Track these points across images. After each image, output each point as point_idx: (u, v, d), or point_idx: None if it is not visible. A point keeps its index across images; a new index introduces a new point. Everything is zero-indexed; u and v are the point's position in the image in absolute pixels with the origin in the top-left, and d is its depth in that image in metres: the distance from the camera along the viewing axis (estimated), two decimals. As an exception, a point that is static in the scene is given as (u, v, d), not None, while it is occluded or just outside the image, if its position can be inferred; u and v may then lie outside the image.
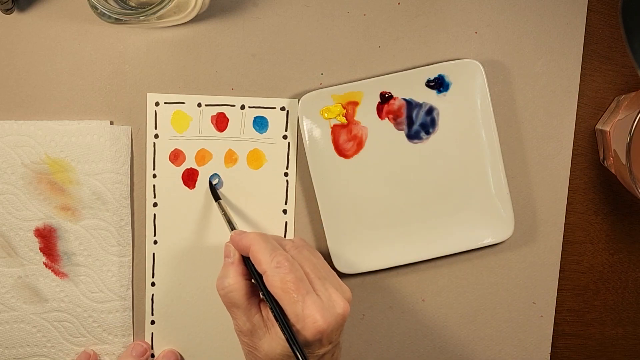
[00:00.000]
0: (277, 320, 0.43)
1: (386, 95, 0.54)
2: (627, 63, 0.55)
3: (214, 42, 0.54)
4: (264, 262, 0.43)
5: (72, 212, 0.55)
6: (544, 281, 0.57)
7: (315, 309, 0.42)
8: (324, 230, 0.54)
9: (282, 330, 0.42)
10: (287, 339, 0.42)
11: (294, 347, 0.41)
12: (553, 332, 0.58)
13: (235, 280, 0.45)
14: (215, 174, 0.55)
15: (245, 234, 0.46)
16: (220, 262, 0.46)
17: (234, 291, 0.45)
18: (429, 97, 0.54)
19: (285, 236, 0.56)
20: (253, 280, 0.46)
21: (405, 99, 0.54)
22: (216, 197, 0.54)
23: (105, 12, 0.46)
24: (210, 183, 0.55)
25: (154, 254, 0.56)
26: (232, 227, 0.50)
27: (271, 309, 0.43)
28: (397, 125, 0.55)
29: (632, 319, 0.58)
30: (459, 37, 0.54)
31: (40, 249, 0.55)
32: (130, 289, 0.56)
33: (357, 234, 0.55)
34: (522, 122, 0.55)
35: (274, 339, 0.43)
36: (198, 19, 0.53)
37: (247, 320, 0.45)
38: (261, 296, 0.45)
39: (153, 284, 0.56)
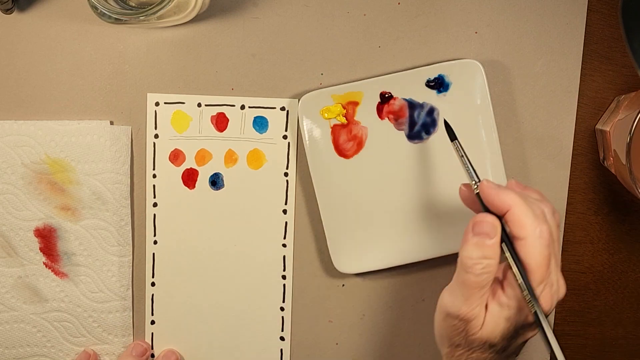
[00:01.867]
0: (522, 291, 0.40)
1: (386, 95, 0.54)
2: (627, 63, 0.55)
3: (214, 42, 0.54)
4: (528, 227, 0.39)
5: (72, 212, 0.55)
6: (544, 281, 0.57)
7: (550, 292, 0.40)
8: (324, 230, 0.54)
9: (530, 304, 0.39)
10: (534, 315, 0.39)
11: (543, 326, 0.39)
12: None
13: (497, 261, 0.40)
14: (218, 173, 0.55)
15: (504, 190, 0.41)
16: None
17: (490, 273, 0.40)
18: (429, 97, 0.54)
19: (285, 236, 0.56)
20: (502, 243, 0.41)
21: (405, 99, 0.54)
22: (452, 137, 0.48)
23: (105, 12, 0.46)
24: (446, 122, 0.50)
25: (154, 254, 0.56)
26: (474, 175, 0.45)
27: (519, 276, 0.40)
28: (398, 125, 0.55)
29: (632, 319, 0.58)
30: (459, 37, 0.54)
31: (40, 249, 0.55)
32: (130, 289, 0.56)
33: (357, 234, 0.55)
34: (522, 122, 0.55)
35: (497, 322, 0.41)
36: (198, 19, 0.53)
37: (480, 303, 0.41)
38: (509, 264, 0.41)
39: (153, 284, 0.56)
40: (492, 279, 0.41)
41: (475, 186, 0.44)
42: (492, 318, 0.41)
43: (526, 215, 0.40)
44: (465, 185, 0.46)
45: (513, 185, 0.45)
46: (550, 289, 0.40)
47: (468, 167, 0.46)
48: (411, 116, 0.54)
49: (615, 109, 0.54)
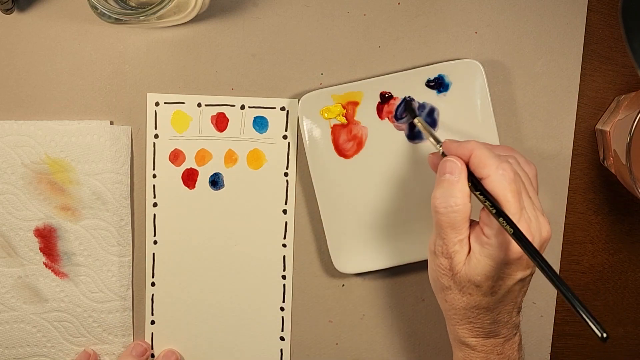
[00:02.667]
0: (497, 219, 0.41)
1: (386, 95, 0.54)
2: (627, 63, 0.55)
3: (214, 42, 0.54)
4: (490, 166, 0.41)
5: (72, 212, 0.55)
6: (544, 281, 0.56)
7: (526, 226, 0.40)
8: (324, 230, 0.54)
9: (506, 223, 0.40)
10: (513, 237, 0.40)
11: (523, 241, 0.39)
12: (553, 332, 0.58)
13: (463, 201, 0.42)
14: (218, 173, 0.55)
15: (464, 142, 0.44)
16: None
17: (458, 212, 0.42)
18: (429, 97, 0.54)
19: (285, 236, 0.56)
20: (469, 185, 0.43)
21: (405, 99, 0.54)
22: (413, 114, 0.53)
23: (105, 12, 0.46)
24: (408, 101, 0.53)
25: (154, 254, 0.56)
26: (437, 141, 0.48)
27: (492, 208, 0.41)
28: (398, 125, 0.55)
29: (632, 319, 0.58)
30: (459, 37, 0.54)
31: (40, 249, 0.55)
32: (130, 289, 0.56)
33: (357, 234, 0.55)
34: (522, 122, 0.55)
35: (479, 260, 0.42)
36: (198, 19, 0.53)
37: (458, 242, 0.43)
38: (481, 200, 0.42)
39: (153, 284, 0.56)
40: (464, 219, 0.42)
41: (440, 148, 0.47)
42: (474, 256, 0.42)
43: (487, 156, 0.42)
44: (432, 154, 0.48)
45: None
46: (528, 224, 0.41)
47: (431, 136, 0.49)
48: (398, 107, 0.54)
49: (615, 109, 0.54)
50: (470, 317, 0.44)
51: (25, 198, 0.54)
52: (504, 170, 0.41)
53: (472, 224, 0.44)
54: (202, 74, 0.54)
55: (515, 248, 0.40)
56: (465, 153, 0.43)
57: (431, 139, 0.49)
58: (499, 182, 0.41)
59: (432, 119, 0.54)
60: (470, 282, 0.43)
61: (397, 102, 0.54)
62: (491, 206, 0.41)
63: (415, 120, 0.52)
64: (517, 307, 0.45)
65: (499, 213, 0.40)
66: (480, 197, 0.42)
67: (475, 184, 0.43)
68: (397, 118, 0.54)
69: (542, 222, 0.42)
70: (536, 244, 0.41)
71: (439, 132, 0.54)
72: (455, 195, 0.42)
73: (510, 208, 0.41)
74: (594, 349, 0.59)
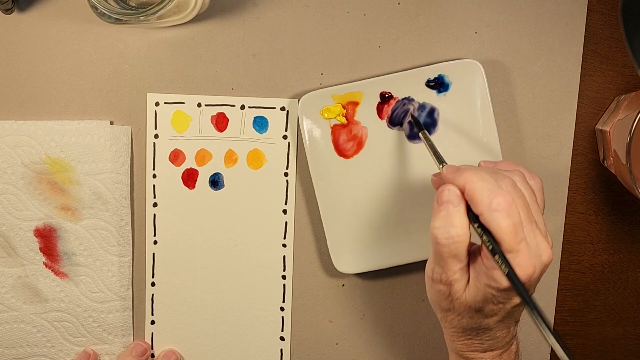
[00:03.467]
0: (493, 256, 0.40)
1: (386, 95, 0.54)
2: (627, 63, 0.55)
3: (214, 42, 0.54)
4: (482, 204, 0.40)
5: (72, 212, 0.55)
6: (544, 281, 0.57)
7: (526, 257, 0.40)
8: (324, 230, 0.54)
9: (503, 265, 0.40)
10: (507, 276, 0.39)
11: (515, 282, 0.39)
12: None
13: (464, 231, 0.41)
14: (218, 173, 0.55)
15: (460, 171, 0.42)
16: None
17: (460, 242, 0.41)
18: (429, 97, 0.54)
19: (285, 236, 0.56)
20: (469, 215, 0.42)
21: (405, 99, 0.54)
22: (420, 127, 0.51)
23: (105, 12, 0.46)
24: (413, 116, 0.53)
25: (154, 254, 0.56)
26: (440, 161, 0.46)
27: (490, 245, 0.40)
28: (389, 123, 0.55)
29: (632, 319, 0.58)
30: (459, 37, 0.54)
31: (40, 249, 0.55)
32: (130, 289, 0.56)
33: (357, 234, 0.55)
34: (522, 122, 0.55)
35: (479, 287, 0.41)
36: (198, 19, 0.53)
37: (458, 270, 0.42)
38: (478, 234, 0.42)
39: (153, 284, 0.56)
40: (464, 248, 0.41)
41: (442, 169, 0.45)
42: (474, 283, 0.42)
43: (477, 192, 0.40)
44: (435, 175, 0.46)
45: (480, 164, 0.46)
46: (527, 253, 0.40)
47: (434, 154, 0.47)
48: (394, 111, 0.54)
49: (615, 109, 0.54)
50: (470, 336, 0.44)
51: (25, 198, 0.54)
52: (498, 205, 0.40)
53: (472, 249, 0.43)
54: (202, 74, 0.54)
55: (522, 279, 0.40)
56: (460, 184, 0.42)
57: (434, 158, 0.47)
58: (492, 221, 0.40)
59: (432, 119, 0.54)
60: (471, 308, 0.42)
61: (397, 103, 0.54)
62: (488, 241, 0.40)
63: (421, 135, 0.51)
64: (516, 321, 0.45)
65: (494, 251, 0.40)
66: (478, 229, 0.41)
67: (471, 216, 0.42)
68: (393, 123, 0.54)
69: (543, 248, 0.41)
70: (537, 272, 0.40)
71: (439, 133, 0.54)
72: (455, 226, 0.41)
73: (507, 245, 0.40)
74: (594, 349, 0.59)
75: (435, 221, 0.42)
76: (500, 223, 0.39)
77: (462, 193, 0.41)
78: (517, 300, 0.42)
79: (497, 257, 0.40)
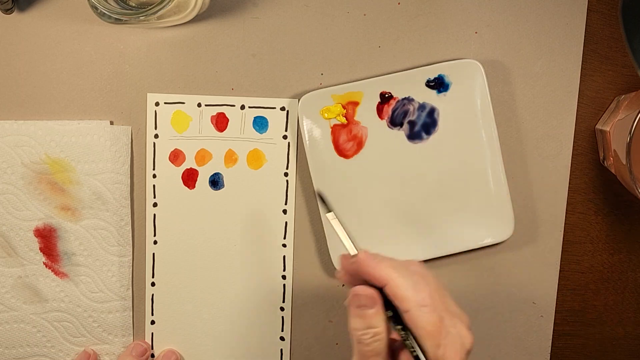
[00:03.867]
0: (417, 354, 0.40)
1: (386, 95, 0.54)
2: (627, 63, 0.55)
3: (214, 42, 0.54)
4: (410, 301, 0.40)
5: (72, 212, 0.55)
6: (544, 281, 0.57)
7: (453, 350, 0.39)
8: (324, 230, 0.54)
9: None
10: None
11: None
12: (553, 332, 0.58)
13: (384, 328, 0.41)
14: (218, 173, 0.55)
15: (380, 265, 0.41)
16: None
17: (380, 340, 0.41)
18: (429, 97, 0.54)
19: (285, 236, 0.56)
20: (389, 316, 0.42)
21: (405, 99, 0.54)
22: (328, 208, 0.47)
23: (105, 12, 0.46)
24: (320, 195, 0.48)
25: (154, 254, 0.56)
26: (353, 247, 0.44)
27: (413, 348, 0.40)
28: (389, 123, 0.55)
29: (632, 319, 0.58)
30: (459, 37, 0.54)
31: (40, 249, 0.55)
32: (130, 289, 0.56)
33: (357, 234, 0.55)
34: (522, 122, 0.55)
35: None
36: (198, 19, 0.53)
37: None
38: (401, 338, 0.41)
39: (153, 284, 0.56)
40: (387, 343, 0.41)
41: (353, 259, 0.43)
42: None
43: (404, 289, 0.40)
44: (344, 256, 0.44)
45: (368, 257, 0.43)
46: (453, 346, 0.40)
47: (346, 239, 0.45)
48: (395, 110, 0.54)
49: (615, 109, 0.54)
50: None
51: (25, 198, 0.54)
52: (424, 301, 0.39)
53: (395, 346, 0.42)
54: (202, 74, 0.54)
55: None
56: (380, 282, 0.41)
57: (345, 243, 0.44)
58: (420, 317, 0.39)
59: (432, 119, 0.54)
60: None
61: (397, 103, 0.54)
62: (411, 347, 0.40)
63: (329, 216, 0.46)
64: None
65: (418, 357, 0.40)
66: (402, 333, 0.41)
67: (393, 315, 0.41)
68: (394, 124, 0.54)
69: (464, 335, 0.41)
70: (463, 357, 0.40)
71: (439, 133, 0.54)
72: (376, 325, 0.40)
73: (433, 342, 0.39)
74: (594, 349, 0.59)
75: (353, 323, 0.41)
76: (429, 319, 0.39)
77: (382, 287, 0.41)
78: None
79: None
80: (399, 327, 0.41)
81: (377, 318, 0.41)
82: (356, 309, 0.41)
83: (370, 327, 0.41)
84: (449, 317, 0.41)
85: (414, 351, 0.40)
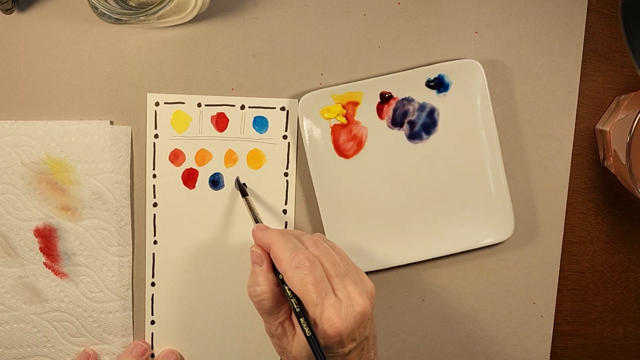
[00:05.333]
0: (297, 319, 0.43)
1: (386, 95, 0.54)
2: (627, 63, 0.55)
3: (214, 42, 0.54)
4: (284, 262, 0.43)
5: (72, 212, 0.55)
6: (544, 281, 0.57)
7: (332, 311, 0.41)
8: (324, 230, 0.54)
9: (302, 330, 0.42)
10: (307, 340, 0.42)
11: (314, 347, 0.41)
12: (553, 332, 0.58)
13: (267, 289, 0.44)
14: (218, 173, 0.55)
15: (267, 230, 0.46)
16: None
17: (266, 299, 0.44)
18: (429, 97, 0.54)
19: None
20: (279, 277, 0.45)
21: (405, 99, 0.54)
22: (244, 193, 0.53)
23: (105, 12, 0.46)
24: (238, 180, 0.55)
25: (154, 254, 0.56)
26: (255, 221, 0.49)
27: (292, 309, 0.43)
28: (389, 123, 0.55)
29: (632, 319, 0.58)
30: (459, 37, 0.54)
31: (40, 249, 0.55)
32: (130, 289, 0.56)
33: (357, 234, 0.55)
34: (522, 122, 0.55)
35: (301, 341, 0.43)
36: (198, 19, 0.53)
37: (279, 324, 0.45)
38: (287, 296, 0.44)
39: (153, 284, 0.56)
40: (273, 305, 0.44)
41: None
42: (296, 338, 0.44)
43: (281, 251, 0.43)
44: (253, 230, 0.48)
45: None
46: (334, 306, 0.42)
47: (253, 216, 0.50)
48: (395, 110, 0.54)
49: (615, 109, 0.54)
50: None
51: (25, 198, 0.54)
52: (299, 263, 0.42)
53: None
54: (202, 74, 0.54)
55: (327, 334, 0.41)
56: (266, 243, 0.45)
57: (252, 218, 0.50)
58: (293, 278, 0.42)
59: (432, 119, 0.54)
60: (304, 358, 0.44)
61: (397, 103, 0.54)
62: (295, 305, 0.43)
63: (243, 200, 0.53)
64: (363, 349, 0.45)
65: (298, 314, 0.42)
66: (288, 291, 0.43)
67: (278, 278, 0.44)
68: (394, 124, 0.54)
69: (353, 296, 0.43)
70: (350, 320, 0.42)
71: (439, 133, 0.54)
72: (260, 284, 0.44)
73: (310, 300, 0.41)
74: (594, 349, 0.59)
75: (249, 279, 0.46)
76: (303, 279, 0.42)
77: (266, 250, 0.45)
78: (346, 348, 0.43)
79: (302, 320, 0.42)
80: (287, 287, 0.43)
81: (262, 276, 0.45)
82: (252, 266, 0.46)
83: (257, 284, 0.45)
84: (338, 281, 0.43)
85: (296, 309, 0.43)
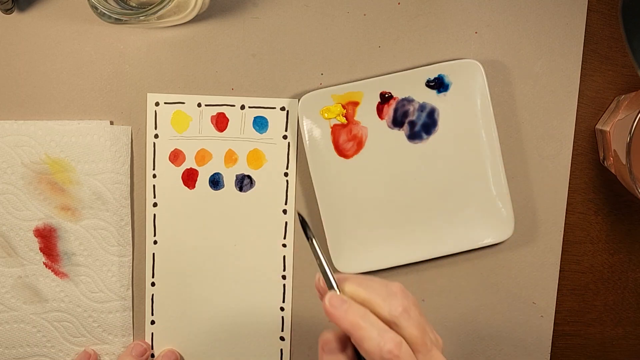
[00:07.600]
0: None
1: (386, 95, 0.54)
2: (627, 63, 0.55)
3: (214, 42, 0.54)
4: (372, 352, 0.37)
5: (72, 212, 0.55)
6: (544, 281, 0.57)
7: None
8: (324, 230, 0.54)
9: None
10: None
11: None
12: (553, 332, 0.58)
13: None
14: (218, 173, 0.55)
15: (343, 311, 0.38)
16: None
17: None
18: (429, 97, 0.54)
19: (285, 236, 0.56)
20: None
21: (405, 99, 0.54)
22: (308, 236, 0.41)
23: (105, 12, 0.46)
24: (302, 218, 0.42)
25: (154, 254, 0.56)
26: (328, 284, 0.40)
27: None
28: (389, 123, 0.55)
29: (632, 319, 0.58)
30: (459, 37, 0.54)
31: (40, 249, 0.55)
32: (130, 289, 0.56)
33: (357, 234, 0.55)
34: (522, 122, 0.55)
35: None
36: (198, 19, 0.53)
37: None
38: None
39: (153, 284, 0.56)
40: None
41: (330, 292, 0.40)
42: None
43: (367, 339, 0.37)
44: (318, 282, 0.42)
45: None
46: None
47: (324, 273, 0.40)
48: (395, 110, 0.54)
49: (615, 109, 0.54)
50: None
51: (25, 198, 0.54)
52: (389, 353, 0.37)
53: None
54: (202, 74, 0.54)
55: None
56: (346, 328, 0.38)
57: (324, 276, 0.40)
58: None
59: (432, 119, 0.54)
60: None
61: (397, 103, 0.54)
62: None
63: (309, 244, 0.41)
64: None
65: None
66: None
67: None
68: (394, 124, 0.54)
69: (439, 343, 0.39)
70: None
71: (439, 133, 0.54)
72: None
73: None
74: (594, 349, 0.59)
75: None
76: None
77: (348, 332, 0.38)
78: None
79: None
80: None
81: (349, 358, 0.39)
82: (326, 354, 0.39)
83: None
84: (424, 353, 0.38)
85: None
